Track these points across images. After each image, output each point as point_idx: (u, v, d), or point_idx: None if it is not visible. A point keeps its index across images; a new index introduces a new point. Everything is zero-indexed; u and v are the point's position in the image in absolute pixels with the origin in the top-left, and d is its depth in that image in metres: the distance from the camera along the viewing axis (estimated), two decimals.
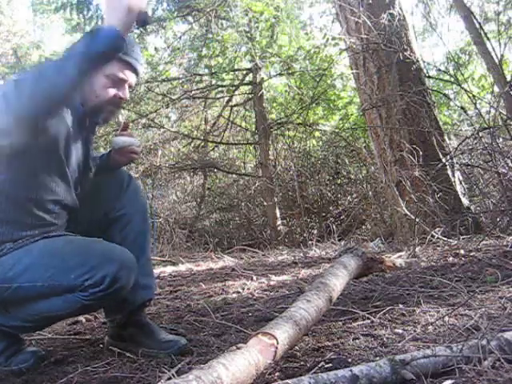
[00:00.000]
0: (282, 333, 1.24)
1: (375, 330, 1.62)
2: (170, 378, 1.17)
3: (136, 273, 1.48)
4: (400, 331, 1.58)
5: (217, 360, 1.06)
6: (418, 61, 4.32)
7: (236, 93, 7.17)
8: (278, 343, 1.20)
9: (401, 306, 1.87)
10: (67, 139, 1.48)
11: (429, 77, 4.68)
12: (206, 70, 6.87)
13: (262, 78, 6.68)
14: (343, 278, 1.71)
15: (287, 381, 1.08)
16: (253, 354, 1.13)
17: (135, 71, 1.58)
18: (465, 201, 4.14)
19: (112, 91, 1.53)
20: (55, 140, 1.44)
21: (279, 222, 6.57)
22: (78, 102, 1.52)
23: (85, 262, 1.40)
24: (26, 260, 1.42)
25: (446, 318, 1.64)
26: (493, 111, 3.85)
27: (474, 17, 3.91)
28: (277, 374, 1.29)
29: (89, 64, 1.26)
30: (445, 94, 5.85)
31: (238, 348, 1.13)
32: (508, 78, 3.89)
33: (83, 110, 1.53)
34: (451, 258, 2.85)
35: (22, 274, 1.41)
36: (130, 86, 1.59)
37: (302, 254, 3.94)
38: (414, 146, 3.88)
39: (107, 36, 1.23)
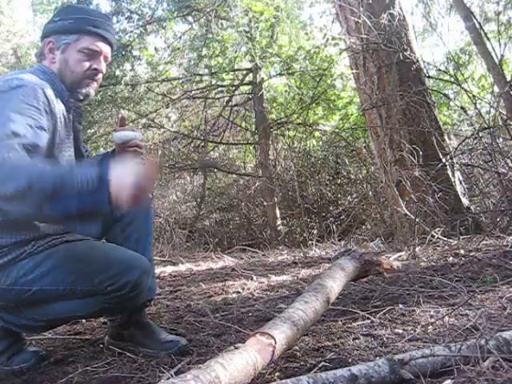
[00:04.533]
0: (280, 333, 1.24)
1: (375, 329, 1.62)
2: (169, 378, 1.17)
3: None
4: (400, 331, 1.58)
5: (215, 360, 1.06)
6: (417, 61, 4.32)
7: (236, 93, 7.17)
8: (275, 343, 1.20)
9: (401, 305, 1.87)
10: (61, 131, 1.48)
11: (429, 77, 4.68)
12: (206, 70, 6.87)
13: (262, 78, 6.67)
14: (341, 280, 1.71)
15: (286, 380, 1.08)
16: (251, 354, 1.13)
17: (109, 43, 1.58)
18: (465, 201, 4.13)
19: (86, 64, 1.53)
20: (52, 139, 1.44)
21: (279, 222, 6.57)
22: (61, 85, 1.52)
23: (108, 267, 1.43)
24: (48, 263, 1.43)
25: (446, 318, 1.64)
26: (493, 111, 3.85)
27: (474, 17, 3.91)
28: (277, 373, 1.29)
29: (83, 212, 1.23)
30: (445, 94, 5.85)
31: (236, 348, 1.13)
32: (508, 78, 3.89)
33: (68, 94, 1.53)
34: (451, 258, 2.85)
35: (44, 278, 1.43)
36: (105, 59, 1.58)
37: (302, 254, 3.94)
38: (414, 146, 3.88)
39: (103, 202, 1.21)
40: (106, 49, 1.57)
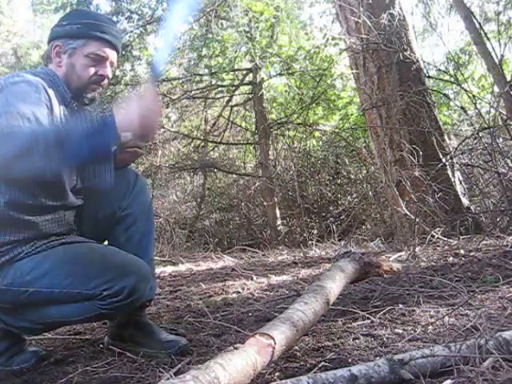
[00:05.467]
0: (280, 334, 1.24)
1: (375, 330, 1.62)
2: (169, 379, 1.17)
3: (151, 284, 1.52)
4: (400, 331, 1.58)
5: (214, 360, 1.06)
6: (417, 61, 4.32)
7: (236, 93, 7.17)
8: (275, 344, 1.20)
9: (401, 305, 1.87)
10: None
11: (429, 77, 4.68)
12: (206, 70, 6.87)
13: (262, 78, 6.68)
14: (340, 281, 1.71)
15: (286, 381, 1.08)
16: (250, 354, 1.13)
17: (115, 48, 1.59)
18: (465, 201, 4.13)
19: (92, 69, 1.54)
20: None
21: (279, 222, 6.57)
22: (64, 87, 1.53)
23: (105, 272, 1.42)
24: (46, 265, 1.43)
25: (446, 318, 1.64)
26: (493, 111, 3.85)
27: (474, 17, 3.91)
28: (276, 373, 1.29)
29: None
30: (445, 94, 5.84)
31: (236, 348, 1.13)
32: (508, 78, 3.89)
33: (70, 96, 1.54)
34: (451, 258, 2.85)
35: (41, 279, 1.42)
36: (111, 64, 1.59)
37: (302, 254, 3.94)
38: (414, 146, 3.88)
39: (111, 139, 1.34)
40: (112, 54, 1.58)
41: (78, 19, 1.55)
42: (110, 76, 1.60)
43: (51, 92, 1.46)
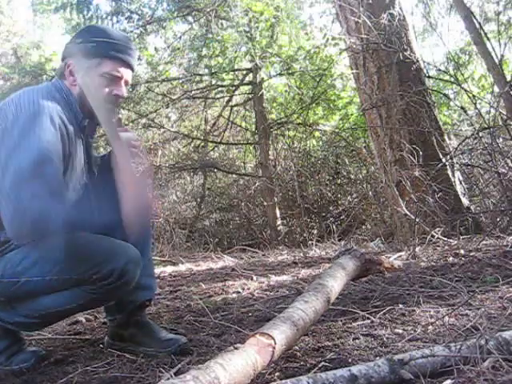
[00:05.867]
0: (280, 333, 1.24)
1: (375, 330, 1.62)
2: (169, 379, 1.17)
3: (141, 268, 1.51)
4: (400, 331, 1.58)
5: (214, 360, 1.06)
6: (418, 61, 4.32)
7: (236, 93, 7.17)
8: (275, 343, 1.20)
9: (401, 305, 1.87)
10: (70, 152, 1.49)
11: (429, 77, 4.68)
12: (206, 70, 6.87)
13: (262, 78, 6.67)
14: (341, 279, 1.71)
15: (286, 381, 1.08)
16: (250, 354, 1.13)
17: (130, 67, 1.58)
18: (465, 201, 4.13)
19: (107, 89, 1.53)
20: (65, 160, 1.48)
21: (279, 222, 6.57)
22: (77, 107, 1.53)
23: (94, 256, 1.43)
24: (35, 254, 1.43)
25: (446, 318, 1.64)
26: (493, 111, 3.85)
27: (474, 17, 3.91)
28: (277, 373, 1.29)
29: None
30: (445, 94, 5.84)
31: (236, 348, 1.13)
32: (508, 78, 3.89)
33: (82, 116, 1.54)
34: (451, 258, 2.85)
35: (31, 268, 1.43)
36: (126, 83, 1.58)
37: (302, 254, 3.94)
38: (414, 146, 3.88)
39: None
40: (127, 74, 1.57)
41: (92, 37, 1.53)
42: (125, 95, 1.59)
43: (64, 117, 1.46)
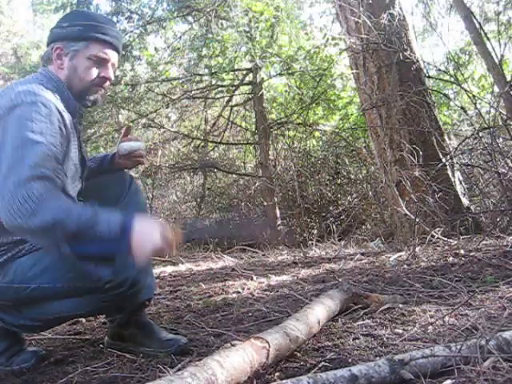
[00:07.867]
0: (273, 339, 1.28)
1: (375, 330, 1.62)
2: None
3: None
4: (400, 331, 1.58)
5: (211, 357, 1.07)
6: (417, 61, 4.32)
7: (236, 93, 7.17)
8: (269, 347, 1.23)
9: (401, 305, 1.87)
10: (70, 140, 1.49)
11: (429, 77, 4.68)
12: (206, 70, 6.87)
13: (262, 78, 6.67)
14: (330, 307, 1.74)
15: (287, 381, 1.08)
16: (247, 351, 1.14)
17: (116, 49, 1.58)
18: (465, 201, 4.13)
19: (95, 71, 1.53)
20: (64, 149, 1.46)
21: (279, 222, 6.57)
22: (68, 93, 1.52)
23: (107, 264, 1.42)
24: (46, 260, 1.43)
25: (446, 318, 1.64)
26: (493, 111, 3.84)
27: (474, 17, 3.90)
28: (277, 373, 1.29)
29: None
30: (445, 94, 5.84)
31: (233, 345, 1.13)
32: (508, 78, 3.88)
33: (74, 101, 1.54)
34: (451, 258, 2.84)
35: (42, 275, 1.42)
36: (113, 65, 1.58)
37: (302, 254, 3.94)
38: (414, 146, 3.88)
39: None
40: (113, 56, 1.57)
41: (78, 21, 1.53)
42: (113, 78, 1.59)
43: (60, 105, 1.45)
